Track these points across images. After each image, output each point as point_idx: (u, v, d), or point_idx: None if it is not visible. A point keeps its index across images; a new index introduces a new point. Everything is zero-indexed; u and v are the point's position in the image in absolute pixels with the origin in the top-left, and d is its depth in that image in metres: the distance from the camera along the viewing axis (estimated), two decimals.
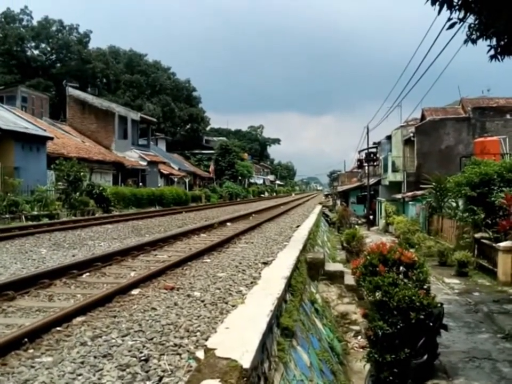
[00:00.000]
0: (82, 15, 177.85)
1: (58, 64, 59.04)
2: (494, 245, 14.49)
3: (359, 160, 45.00)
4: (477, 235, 16.09)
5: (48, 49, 59.31)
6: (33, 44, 58.12)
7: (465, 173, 18.01)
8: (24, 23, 57.26)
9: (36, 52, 59.13)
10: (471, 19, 7.08)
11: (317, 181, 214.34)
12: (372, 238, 22.68)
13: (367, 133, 39.40)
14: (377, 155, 42.04)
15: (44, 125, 31.07)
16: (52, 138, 26.08)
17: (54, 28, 58.60)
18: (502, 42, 7.01)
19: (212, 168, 59.32)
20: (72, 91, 39.88)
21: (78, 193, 22.58)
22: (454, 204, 20.38)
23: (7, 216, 17.08)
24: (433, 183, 22.62)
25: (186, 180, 48.52)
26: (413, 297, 6.13)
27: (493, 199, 15.87)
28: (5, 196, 17.99)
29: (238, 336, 3.56)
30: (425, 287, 6.50)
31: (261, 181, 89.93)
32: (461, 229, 18.13)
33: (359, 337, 8.69)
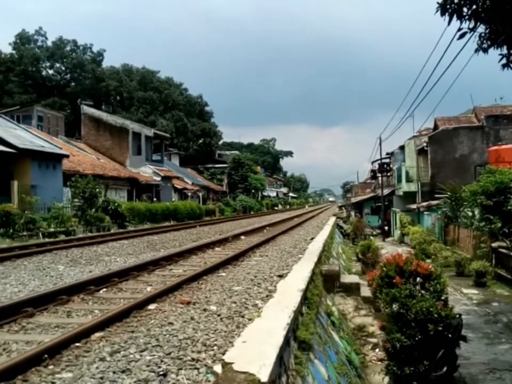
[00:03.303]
0: (96, 34, 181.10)
1: (73, 83, 60.17)
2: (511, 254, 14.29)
3: (373, 171, 44.71)
4: (494, 244, 15.89)
5: (63, 68, 60.53)
6: (48, 64, 59.35)
7: (480, 181, 17.86)
8: (39, 43, 58.62)
9: (51, 72, 60.39)
10: (481, 28, 7.10)
11: (330, 193, 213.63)
12: (387, 249, 22.50)
13: (380, 144, 39.36)
14: (391, 165, 41.81)
15: (60, 143, 31.58)
16: (67, 156, 26.46)
17: (68, 48, 59.86)
18: None
19: (225, 181, 59.58)
20: (86, 109, 40.49)
21: (93, 210, 22.79)
22: (470, 213, 20.18)
23: (24, 233, 17.31)
24: (448, 193, 22.44)
25: (200, 194, 48.74)
26: (431, 309, 6.06)
27: (509, 207, 15.70)
28: (22, 213, 18.24)
29: (255, 350, 3.56)
30: (442, 298, 6.43)
31: (274, 194, 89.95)
32: (477, 239, 17.91)
33: (377, 349, 8.60)
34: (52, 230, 18.85)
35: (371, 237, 29.16)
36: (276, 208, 72.08)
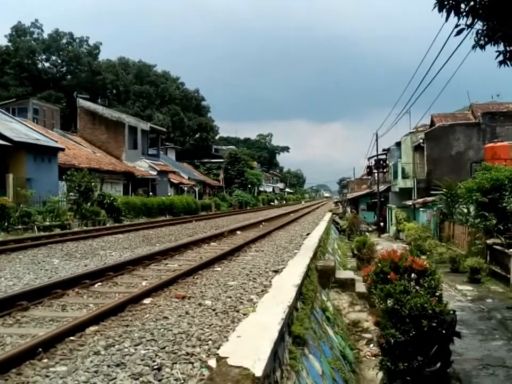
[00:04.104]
0: (92, 27, 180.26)
1: (69, 76, 59.87)
2: (506, 251, 14.36)
3: (369, 167, 44.73)
4: (489, 241, 15.95)
5: (59, 61, 60.17)
6: (44, 57, 59.00)
7: (476, 178, 17.90)
8: (35, 36, 58.18)
9: (47, 64, 60.02)
10: (478, 25, 7.09)
11: (327, 188, 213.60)
12: (383, 245, 22.56)
13: (376, 140, 39.41)
14: (387, 162, 41.89)
15: (55, 136, 31.43)
16: (63, 150, 26.34)
17: (64, 41, 59.49)
18: (510, 48, 7.00)
19: (221, 176, 59.55)
20: (82, 102, 40.29)
21: (89, 204, 22.73)
22: (465, 210, 20.25)
23: (19, 227, 17.25)
24: (444, 189, 22.51)
25: (196, 189, 48.69)
26: (425, 305, 6.08)
27: (504, 204, 15.75)
28: (17, 207, 18.17)
29: (250, 345, 3.56)
30: (437, 294, 6.44)
31: (270, 189, 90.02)
32: (472, 235, 17.98)
33: (371, 345, 8.63)
34: (47, 223, 18.79)
35: (367, 233, 29.25)
36: (272, 203, 72.12)
